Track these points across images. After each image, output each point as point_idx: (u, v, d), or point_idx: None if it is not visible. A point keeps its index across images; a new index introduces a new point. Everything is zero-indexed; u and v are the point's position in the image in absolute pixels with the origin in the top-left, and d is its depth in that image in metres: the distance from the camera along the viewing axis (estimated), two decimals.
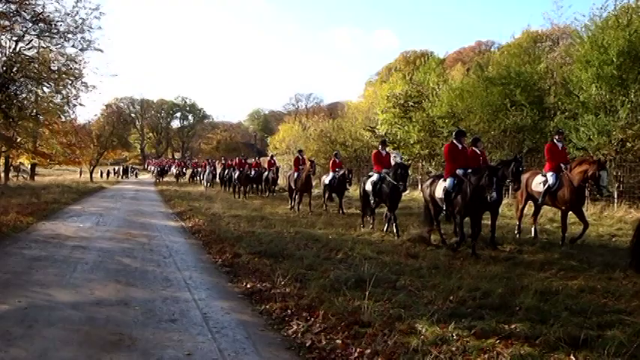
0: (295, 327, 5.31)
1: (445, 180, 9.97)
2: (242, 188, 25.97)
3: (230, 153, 61.30)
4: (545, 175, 10.77)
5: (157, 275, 7.72)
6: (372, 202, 12.68)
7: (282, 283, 6.80)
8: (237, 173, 26.43)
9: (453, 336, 4.80)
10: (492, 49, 56.67)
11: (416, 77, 33.46)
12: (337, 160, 18.32)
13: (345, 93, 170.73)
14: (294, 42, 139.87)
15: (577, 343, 4.54)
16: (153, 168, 61.76)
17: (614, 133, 17.28)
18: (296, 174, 18.51)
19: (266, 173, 25.68)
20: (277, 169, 26.30)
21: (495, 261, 8.56)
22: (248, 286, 7.03)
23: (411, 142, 27.36)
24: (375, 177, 12.49)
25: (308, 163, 18.00)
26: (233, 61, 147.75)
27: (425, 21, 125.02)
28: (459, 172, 9.68)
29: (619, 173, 16.76)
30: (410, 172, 15.74)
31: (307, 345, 4.84)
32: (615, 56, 18.09)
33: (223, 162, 35.03)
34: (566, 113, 20.01)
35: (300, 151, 20.96)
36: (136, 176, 64.23)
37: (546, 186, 10.58)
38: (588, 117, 18.27)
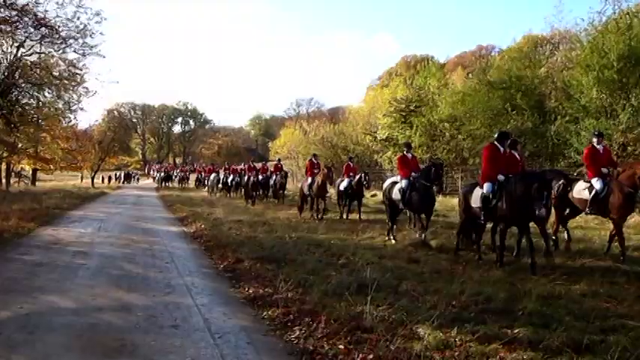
0: (297, 332, 5.29)
1: (482, 186, 8.91)
2: (255, 194, 24.51)
3: (231, 158, 61.26)
4: (589, 182, 9.74)
5: (158, 281, 7.71)
6: (401, 212, 11.97)
7: (285, 288, 6.78)
8: (247, 179, 25.44)
9: (455, 341, 4.79)
10: (493, 54, 56.72)
11: (416, 82, 33.54)
12: (352, 165, 17.76)
13: (346, 97, 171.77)
14: (295, 47, 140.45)
15: (580, 347, 4.53)
16: (156, 173, 60.89)
17: (615, 136, 17.27)
18: (310, 179, 17.29)
19: (274, 177, 24.59)
20: (286, 173, 25.02)
21: (498, 266, 8.53)
22: (250, 291, 7.01)
23: (413, 147, 27.31)
24: (403, 183, 11.37)
25: (324, 171, 16.68)
26: (234, 66, 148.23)
27: (425, 25, 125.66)
28: (500, 177, 8.69)
29: None
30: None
31: (309, 350, 4.82)
32: (616, 60, 18.13)
33: (227, 167, 33.44)
34: (567, 117, 20.04)
35: (314, 155, 19.55)
36: (137, 181, 64.24)
37: (593, 193, 9.50)
38: (589, 121, 18.30)
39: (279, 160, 27.28)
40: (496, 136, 9.33)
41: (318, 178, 16.54)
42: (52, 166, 36.47)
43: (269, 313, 5.96)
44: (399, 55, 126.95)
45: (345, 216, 16.92)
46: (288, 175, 25.24)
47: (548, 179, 8.26)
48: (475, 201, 9.06)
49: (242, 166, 29.68)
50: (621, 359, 4.24)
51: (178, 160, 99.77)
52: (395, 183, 11.91)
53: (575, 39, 22.36)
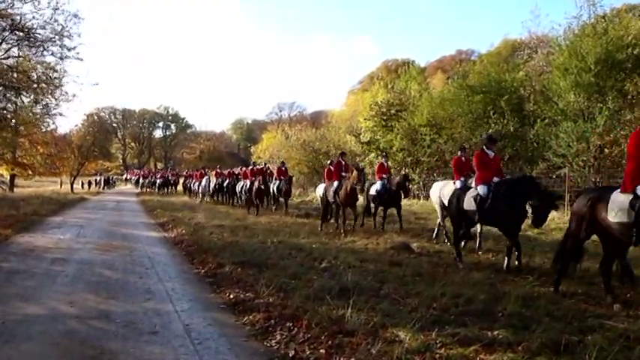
0: (279, 337, 5.27)
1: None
2: (257, 201, 21.04)
3: (213, 162, 60.97)
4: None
5: (138, 287, 7.62)
6: (474, 225, 9.74)
7: (266, 293, 6.75)
8: (249, 184, 22.02)
9: (436, 343, 4.80)
10: (472, 58, 57.44)
11: (397, 86, 33.78)
12: (385, 165, 15.08)
13: (327, 102, 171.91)
14: (276, 51, 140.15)
15: (559, 348, 4.58)
16: (142, 179, 58.54)
17: (592, 139, 17.55)
18: (336, 183, 14.40)
19: (277, 183, 21.77)
20: (290, 178, 22.19)
21: (478, 268, 8.61)
22: (231, 296, 6.96)
23: (394, 150, 27.49)
24: (482, 190, 8.79)
25: (355, 173, 13.56)
26: (215, 70, 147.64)
27: (405, 29, 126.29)
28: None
29: (597, 179, 17.00)
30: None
31: (291, 355, 4.80)
32: (593, 64, 18.44)
33: (219, 170, 31.12)
34: (546, 120, 20.31)
35: (342, 154, 15.95)
36: (113, 186, 63.23)
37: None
38: (567, 124, 18.55)
39: (283, 163, 24.46)
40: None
41: (347, 183, 13.77)
42: (30, 172, 35.99)
43: (250, 318, 5.92)
44: (379, 59, 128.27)
45: (381, 227, 14.15)
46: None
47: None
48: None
49: (240, 170, 27.19)
50: (598, 359, 4.28)
51: (160, 165, 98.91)
52: (463, 189, 9.61)
53: (554, 43, 22.70)
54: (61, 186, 51.79)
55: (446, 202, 10.76)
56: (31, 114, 24.97)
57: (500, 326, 5.23)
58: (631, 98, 18.60)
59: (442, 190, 11.59)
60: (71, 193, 40.71)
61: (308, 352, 4.81)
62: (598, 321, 5.39)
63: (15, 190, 40.18)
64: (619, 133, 17.32)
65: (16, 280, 7.91)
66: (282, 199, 21.65)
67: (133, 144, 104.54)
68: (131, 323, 5.74)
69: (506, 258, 8.54)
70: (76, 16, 21.13)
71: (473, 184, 9.57)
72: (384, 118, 30.68)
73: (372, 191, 14.50)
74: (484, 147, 9.33)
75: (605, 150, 17.49)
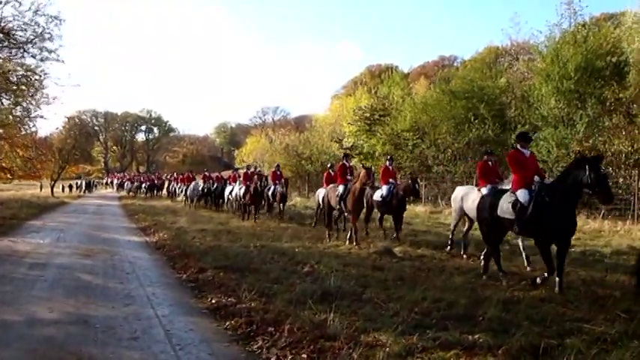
0: (260, 342, 5.25)
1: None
2: (251, 207, 19.70)
3: (197, 166, 60.51)
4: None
5: (118, 292, 7.54)
6: (518, 239, 9.11)
7: (248, 297, 6.72)
8: (244, 189, 20.21)
9: (417, 347, 4.82)
10: (455, 64, 58.00)
11: (381, 91, 33.99)
12: (391, 169, 13.99)
13: (312, 106, 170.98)
14: (259, 55, 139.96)
15: (538, 352, 4.63)
16: (122, 183, 57.32)
17: (571, 145, 17.80)
18: (341, 188, 12.96)
19: (272, 188, 19.85)
20: (286, 181, 20.49)
21: (459, 272, 8.66)
22: (213, 301, 6.92)
23: (377, 155, 27.62)
24: (521, 195, 7.52)
25: (362, 173, 12.18)
26: (199, 74, 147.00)
27: (389, 34, 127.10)
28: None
29: None
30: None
31: None
32: (573, 71, 18.72)
33: (207, 174, 29.78)
34: (527, 126, 20.56)
35: (346, 156, 14.50)
36: (93, 190, 62.55)
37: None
38: (548, 130, 18.81)
39: (278, 166, 22.33)
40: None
41: (355, 186, 12.30)
42: (9, 175, 35.39)
43: (232, 323, 5.89)
44: (363, 63, 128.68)
45: (392, 236, 12.83)
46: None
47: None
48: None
49: (234, 173, 25.42)
50: None
51: (142, 169, 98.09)
52: (495, 194, 8.35)
53: (535, 50, 23.04)
54: (41, 189, 51.02)
55: (469, 211, 10.13)
56: (10, 116, 24.57)
57: (481, 330, 5.27)
58: (609, 105, 18.91)
59: (465, 197, 10.62)
60: (52, 197, 40.14)
61: (290, 357, 4.80)
62: (576, 324, 5.46)
63: None
64: (597, 139, 17.60)
65: None
66: (277, 206, 19.99)
67: (115, 147, 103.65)
68: (111, 328, 5.67)
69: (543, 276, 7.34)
70: (57, 18, 20.86)
71: (504, 188, 8.68)
72: (368, 122, 30.86)
73: (377, 197, 13.13)
74: (517, 145, 8.27)
75: None
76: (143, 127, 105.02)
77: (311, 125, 51.34)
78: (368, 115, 31.23)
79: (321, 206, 15.64)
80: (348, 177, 13.12)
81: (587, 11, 24.16)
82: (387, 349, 4.79)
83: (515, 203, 7.56)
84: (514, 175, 8.05)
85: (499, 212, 7.87)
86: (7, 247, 11.80)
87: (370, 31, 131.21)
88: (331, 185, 14.17)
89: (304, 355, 4.81)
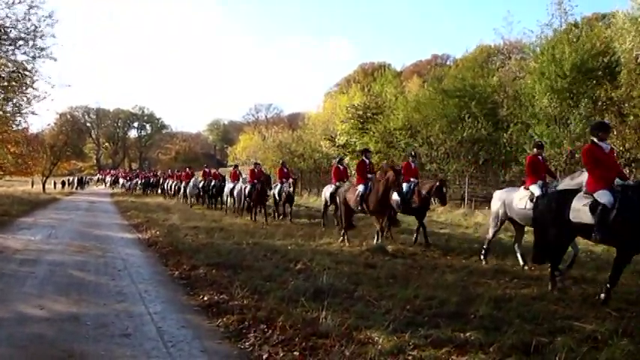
0: (252, 339, 5.24)
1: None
2: (259, 208, 18.32)
3: (189, 163, 60.22)
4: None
5: (110, 289, 7.51)
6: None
7: (240, 295, 6.71)
8: (249, 187, 18.65)
9: (409, 345, 4.84)
10: (448, 63, 58.13)
11: (374, 89, 34.02)
12: (413, 166, 13.16)
13: (304, 104, 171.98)
14: (251, 52, 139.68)
15: (529, 349, 4.65)
16: (116, 179, 56.47)
17: (564, 144, 17.91)
18: (361, 187, 11.79)
19: (278, 187, 18.46)
20: (295, 181, 18.69)
21: (452, 270, 8.69)
22: (205, 298, 6.90)
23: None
24: (603, 196, 6.51)
25: (391, 175, 10.90)
26: (191, 71, 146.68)
27: (381, 32, 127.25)
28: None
29: None
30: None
31: (264, 357, 4.78)
32: (569, 70, 18.81)
33: (207, 171, 28.33)
34: (519, 125, 20.64)
35: (365, 151, 13.29)
36: (87, 186, 62.29)
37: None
38: (541, 128, 18.89)
39: (284, 163, 20.96)
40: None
41: (379, 185, 11.18)
42: (0, 172, 35.17)
43: (224, 320, 5.87)
44: (355, 61, 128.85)
45: (426, 240, 11.77)
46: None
47: None
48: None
49: (233, 170, 23.81)
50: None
51: (134, 166, 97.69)
52: (564, 193, 7.31)
53: (528, 49, 23.13)
54: (32, 186, 50.81)
55: (517, 215, 9.13)
56: (1, 112, 24.38)
57: (473, 328, 5.29)
58: (601, 105, 19.02)
59: (508, 200, 9.41)
60: (43, 194, 39.96)
61: (282, 354, 4.80)
62: (567, 322, 5.49)
63: None
64: (590, 138, 17.70)
65: None
66: (283, 206, 18.66)
67: (107, 144, 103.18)
68: (102, 326, 5.65)
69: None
70: (50, 16, 20.71)
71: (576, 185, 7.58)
72: (361, 120, 30.87)
73: (396, 196, 11.73)
74: (594, 139, 7.05)
75: (577, 155, 17.87)
76: (135, 124, 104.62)
77: (304, 123, 51.34)
78: (361, 113, 31.26)
79: (329, 204, 15.24)
80: (369, 175, 12.04)
81: (578, 11, 24.29)
82: (379, 346, 4.80)
83: (595, 206, 6.52)
84: (589, 173, 6.97)
85: (571, 216, 6.82)
86: None
87: (361, 29, 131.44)
88: (346, 184, 13.36)
89: (296, 353, 4.81)
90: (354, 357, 4.58)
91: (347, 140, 32.09)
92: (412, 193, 12.22)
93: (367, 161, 12.55)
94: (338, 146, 33.38)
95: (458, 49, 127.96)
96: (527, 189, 8.96)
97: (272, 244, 11.42)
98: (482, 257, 9.58)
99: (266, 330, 5.43)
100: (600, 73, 19.33)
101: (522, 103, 21.06)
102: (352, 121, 31.60)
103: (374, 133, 28.40)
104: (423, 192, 12.06)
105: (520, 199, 9.01)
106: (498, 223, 9.74)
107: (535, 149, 9.73)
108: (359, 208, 11.87)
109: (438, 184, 11.97)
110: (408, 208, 12.34)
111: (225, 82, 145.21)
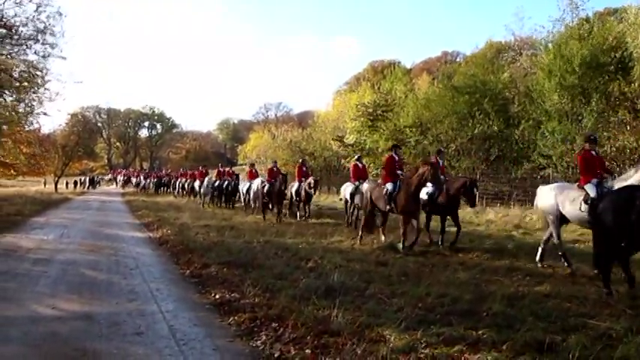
0: (264, 337, 5.24)
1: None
2: (277, 207, 17.62)
3: (200, 162, 60.52)
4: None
5: (122, 287, 7.54)
6: None
7: (252, 293, 6.72)
8: (267, 186, 17.88)
9: (421, 343, 4.81)
10: (458, 60, 57.80)
11: (383, 86, 33.90)
12: (441, 162, 12.18)
13: (314, 102, 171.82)
14: (261, 51, 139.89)
15: (542, 347, 4.60)
16: (136, 179, 56.41)
17: (578, 140, 17.75)
18: (390, 186, 11.02)
19: (296, 186, 17.86)
20: (316, 182, 17.76)
21: (464, 267, 8.64)
22: (216, 296, 6.91)
23: (380, 151, 27.58)
24: None
25: (426, 170, 10.33)
26: (201, 70, 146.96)
27: (389, 30, 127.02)
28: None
29: None
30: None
31: (276, 356, 4.77)
32: (577, 66, 18.64)
33: (222, 170, 27.73)
34: (530, 122, 20.49)
35: (395, 147, 12.34)
36: (98, 185, 62.73)
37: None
38: (552, 124, 18.74)
39: (304, 161, 20.18)
40: None
41: (411, 183, 10.53)
42: (13, 172, 35.50)
43: (235, 318, 5.88)
44: (363, 59, 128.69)
45: (440, 242, 11.20)
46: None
47: None
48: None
49: (249, 169, 22.90)
50: (581, 358, 4.32)
51: (145, 165, 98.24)
52: (635, 192, 6.70)
53: (539, 45, 22.95)
54: (45, 186, 51.29)
55: (570, 215, 8.48)
56: (13, 113, 24.62)
57: (485, 326, 5.25)
58: (614, 100, 18.82)
59: (561, 198, 8.68)
60: (55, 193, 40.30)
61: (293, 353, 4.79)
62: (581, 320, 5.44)
63: None
64: (602, 134, 17.54)
65: None
66: (302, 206, 18.07)
67: (118, 144, 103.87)
68: (115, 324, 5.67)
69: None
70: (59, 13, 20.88)
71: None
72: (371, 118, 30.79)
73: (423, 195, 11.21)
74: None
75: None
76: (146, 124, 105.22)
77: (313, 121, 51.31)
78: (371, 110, 31.17)
79: (349, 203, 14.97)
80: (398, 172, 11.34)
81: (590, 5, 24.10)
82: (391, 344, 4.78)
83: None
84: None
85: None
86: (11, 243, 11.81)
87: (369, 27, 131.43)
88: (370, 182, 12.78)
89: (308, 351, 4.80)
90: (365, 355, 4.56)
91: (356, 139, 32.03)
92: (437, 192, 11.30)
93: (396, 158, 11.70)
94: (347, 145, 33.32)
95: (467, 45, 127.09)
96: (582, 188, 8.32)
97: (283, 243, 11.42)
98: (566, 264, 8.55)
99: (277, 328, 5.43)
100: (612, 68, 19.13)
101: (534, 99, 20.89)
102: (362, 119, 31.52)
103: (384, 130, 28.32)
104: (452, 191, 11.23)
105: (574, 199, 8.35)
106: (557, 222, 8.82)
107: (587, 144, 8.83)
108: (387, 208, 11.14)
109: (468, 183, 11.18)
110: (437, 207, 11.53)
111: (235, 82, 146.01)
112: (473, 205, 11.54)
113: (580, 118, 18.64)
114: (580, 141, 17.88)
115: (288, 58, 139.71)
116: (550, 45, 20.94)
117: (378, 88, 35.13)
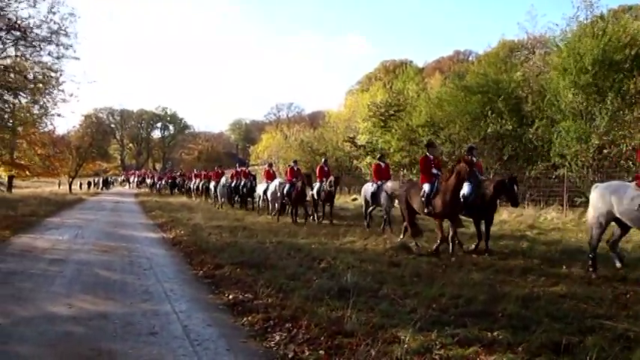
0: (278, 338, 5.24)
1: None
2: (296, 208, 17.36)
3: (212, 163, 60.75)
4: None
5: (136, 288, 7.59)
6: None
7: (265, 293, 6.73)
8: (288, 186, 17.47)
9: (435, 344, 4.78)
10: (470, 59, 57.49)
11: (395, 86, 33.77)
12: (475, 159, 10.90)
13: (326, 102, 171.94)
14: (272, 51, 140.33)
15: (559, 349, 4.55)
16: (143, 179, 56.78)
17: (591, 140, 17.56)
18: (427, 186, 10.52)
19: (317, 186, 17.27)
20: (337, 180, 17.10)
21: (477, 268, 8.58)
22: (230, 297, 6.93)
23: (392, 151, 27.48)
24: None
25: (463, 167, 9.69)
26: (213, 71, 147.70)
27: (401, 29, 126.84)
28: None
29: (596, 179, 16.97)
30: None
31: (290, 356, 4.77)
32: (590, 65, 18.43)
33: (237, 170, 27.35)
34: (544, 121, 20.28)
35: (430, 144, 11.78)
36: (112, 186, 63.23)
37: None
38: (567, 123, 18.54)
39: (326, 160, 19.66)
40: None
41: (450, 183, 9.95)
42: (28, 173, 35.94)
43: (249, 319, 5.89)
44: (374, 59, 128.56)
45: (475, 247, 10.47)
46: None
47: None
48: None
49: (267, 169, 22.30)
50: None
51: (158, 166, 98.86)
52: None
53: (552, 43, 22.71)
54: (59, 187, 51.86)
55: (627, 215, 7.84)
56: (28, 114, 24.92)
57: (500, 327, 5.21)
58: (630, 98, 18.58)
59: (616, 197, 7.97)
60: (69, 194, 40.65)
61: (307, 353, 4.78)
62: (598, 321, 5.37)
63: (13, 190, 40.16)
64: (617, 133, 17.34)
65: (12, 281, 7.86)
66: (323, 206, 17.57)
67: (131, 145, 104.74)
68: (129, 324, 5.70)
69: None
70: (71, 14, 21.10)
71: None
72: (383, 118, 30.69)
73: (465, 192, 10.51)
74: None
75: (604, 150, 17.50)
76: (159, 125, 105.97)
77: (325, 121, 51.28)
78: (383, 110, 31.07)
79: (370, 204, 14.63)
80: (434, 171, 10.76)
81: (604, 2, 23.83)
82: (405, 345, 4.74)
83: None
84: None
85: None
86: (27, 244, 11.94)
87: (380, 27, 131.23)
88: (405, 183, 12.00)
89: (321, 352, 4.79)
90: (380, 356, 4.53)
91: (368, 139, 31.96)
92: (476, 193, 10.47)
93: (431, 157, 11.12)
94: (359, 147, 33.25)
95: (480, 44, 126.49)
96: None
97: (295, 243, 11.43)
98: (590, 269, 8.10)
99: (291, 329, 5.42)
100: (627, 65, 18.87)
101: (547, 98, 20.68)
102: (374, 119, 31.43)
103: (396, 130, 28.20)
104: (489, 190, 10.34)
105: (632, 198, 7.68)
106: (604, 224, 8.26)
107: None
108: (425, 210, 10.58)
109: (507, 180, 10.26)
110: (473, 209, 10.63)
111: (247, 83, 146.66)
112: (515, 204, 10.49)
113: (594, 117, 18.43)
114: (595, 140, 17.70)
115: (299, 59, 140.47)
116: (562, 43, 20.71)
117: (390, 88, 35.02)
